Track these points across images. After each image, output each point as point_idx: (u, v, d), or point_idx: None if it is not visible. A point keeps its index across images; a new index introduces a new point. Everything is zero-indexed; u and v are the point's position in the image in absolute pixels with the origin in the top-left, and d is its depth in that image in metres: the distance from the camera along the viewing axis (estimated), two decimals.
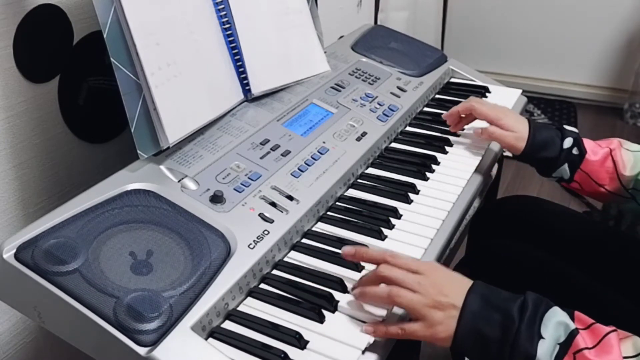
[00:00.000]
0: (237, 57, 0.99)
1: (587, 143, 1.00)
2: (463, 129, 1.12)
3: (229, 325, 0.69)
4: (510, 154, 1.07)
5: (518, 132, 1.01)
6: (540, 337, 0.64)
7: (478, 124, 1.08)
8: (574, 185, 1.02)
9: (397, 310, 0.72)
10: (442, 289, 0.68)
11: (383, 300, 0.70)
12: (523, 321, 0.65)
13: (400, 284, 0.69)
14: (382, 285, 0.71)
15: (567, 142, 0.99)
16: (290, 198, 0.84)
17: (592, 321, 0.66)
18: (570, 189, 1.05)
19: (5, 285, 0.68)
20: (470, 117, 1.08)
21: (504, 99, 1.30)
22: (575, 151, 0.99)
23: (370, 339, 0.67)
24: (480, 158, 1.06)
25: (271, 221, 0.80)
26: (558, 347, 0.64)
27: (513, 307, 0.66)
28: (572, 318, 0.66)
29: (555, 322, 0.65)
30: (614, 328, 0.65)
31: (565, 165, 1.00)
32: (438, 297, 0.67)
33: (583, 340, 0.64)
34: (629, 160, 0.97)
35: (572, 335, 0.64)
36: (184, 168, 0.83)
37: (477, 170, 1.03)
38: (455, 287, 0.69)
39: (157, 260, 0.69)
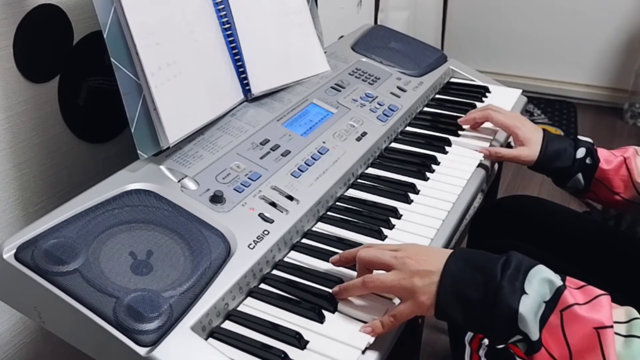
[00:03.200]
0: (237, 57, 0.99)
1: (601, 152, 1.00)
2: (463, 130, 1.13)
3: (229, 325, 0.69)
4: None
5: (533, 142, 1.02)
6: (523, 292, 0.61)
7: (487, 125, 1.10)
8: (591, 195, 1.03)
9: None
10: (420, 257, 0.67)
11: (360, 289, 0.70)
12: (505, 277, 0.62)
13: (377, 261, 0.69)
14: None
15: (580, 152, 1.00)
16: (290, 198, 0.84)
17: (584, 284, 0.64)
18: (588, 199, 1.05)
19: (5, 285, 0.68)
20: (482, 120, 1.09)
21: (504, 99, 1.30)
22: (588, 160, 0.99)
23: (370, 339, 0.67)
24: (480, 158, 1.06)
25: (271, 221, 0.80)
26: (544, 305, 0.61)
27: (496, 265, 0.64)
28: (563, 281, 0.63)
29: (540, 278, 0.62)
30: (606, 292, 0.62)
31: (579, 175, 1.00)
32: (416, 267, 0.66)
33: (572, 296, 0.61)
34: None
35: (559, 292, 0.61)
36: (184, 168, 0.83)
37: (477, 170, 1.03)
38: (435, 255, 0.68)
39: (157, 260, 0.69)
